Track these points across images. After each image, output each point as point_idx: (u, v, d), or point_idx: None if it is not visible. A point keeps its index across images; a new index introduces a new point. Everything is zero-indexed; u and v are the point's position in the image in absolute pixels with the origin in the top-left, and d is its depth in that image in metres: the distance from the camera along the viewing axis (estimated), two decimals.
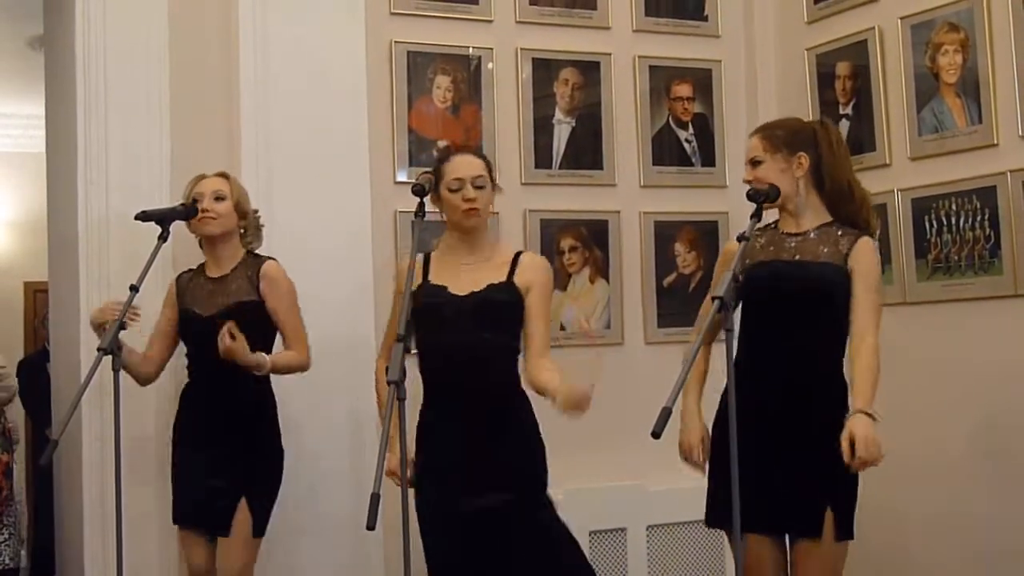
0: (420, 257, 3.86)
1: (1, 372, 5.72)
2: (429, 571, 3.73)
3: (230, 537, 4.07)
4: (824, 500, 3.51)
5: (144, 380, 4.26)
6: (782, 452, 3.54)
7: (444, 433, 3.75)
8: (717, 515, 3.66)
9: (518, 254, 3.95)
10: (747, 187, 3.66)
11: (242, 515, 4.08)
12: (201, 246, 4.31)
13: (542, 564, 3.69)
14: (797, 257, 3.66)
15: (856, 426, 3.37)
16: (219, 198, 4.21)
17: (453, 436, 3.73)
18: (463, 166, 3.85)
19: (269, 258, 4.27)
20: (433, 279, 3.86)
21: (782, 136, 3.70)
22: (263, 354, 4.09)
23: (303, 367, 4.21)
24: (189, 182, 4.28)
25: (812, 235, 3.69)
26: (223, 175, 4.29)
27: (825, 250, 3.65)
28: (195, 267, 4.32)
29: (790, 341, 3.60)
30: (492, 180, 3.90)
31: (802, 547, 3.55)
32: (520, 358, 3.84)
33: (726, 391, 3.40)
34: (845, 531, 3.54)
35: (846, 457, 3.35)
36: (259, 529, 4.11)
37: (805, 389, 3.58)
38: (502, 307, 3.81)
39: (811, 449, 3.52)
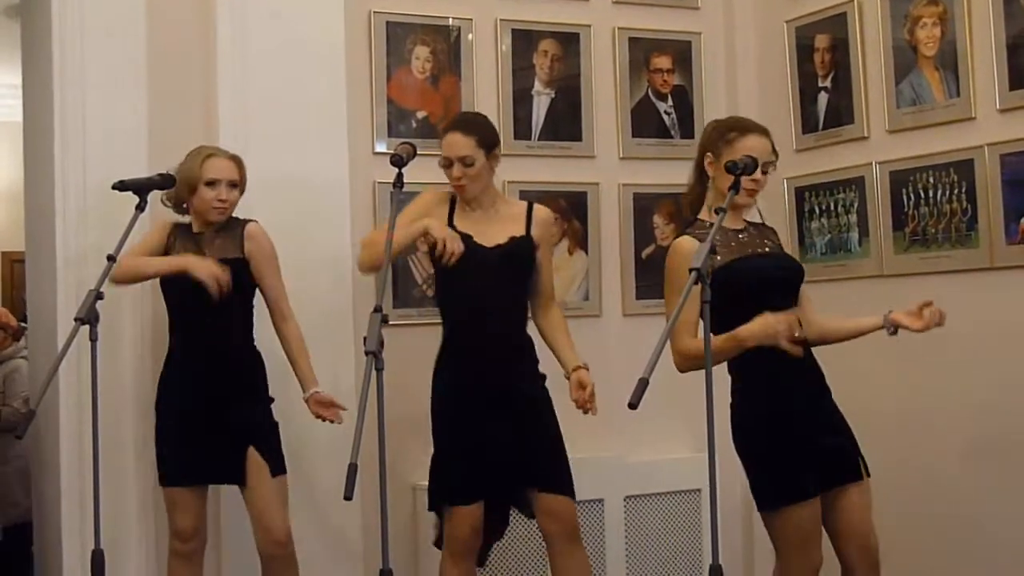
0: (447, 196, 4.23)
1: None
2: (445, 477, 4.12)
3: (256, 489, 4.16)
4: (855, 446, 3.86)
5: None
6: (813, 418, 3.79)
7: (466, 369, 4.11)
8: (783, 493, 3.74)
9: (531, 205, 4.31)
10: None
11: (255, 462, 4.16)
12: (181, 212, 4.34)
13: (549, 459, 4.12)
14: (760, 250, 3.88)
15: None
16: (234, 186, 4.26)
17: (475, 371, 4.10)
18: (450, 145, 4.16)
19: (250, 220, 4.31)
20: (459, 226, 4.15)
21: None
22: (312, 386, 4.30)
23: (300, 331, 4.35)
24: (193, 155, 4.25)
25: (751, 230, 3.94)
26: (236, 160, 4.30)
27: (767, 242, 3.94)
28: (183, 224, 4.34)
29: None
30: (487, 151, 4.17)
31: (848, 492, 3.79)
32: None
33: (746, 396, 3.78)
34: (866, 468, 3.86)
35: None
36: (278, 467, 4.21)
37: (811, 359, 3.85)
38: (524, 260, 4.20)
39: (830, 409, 3.87)
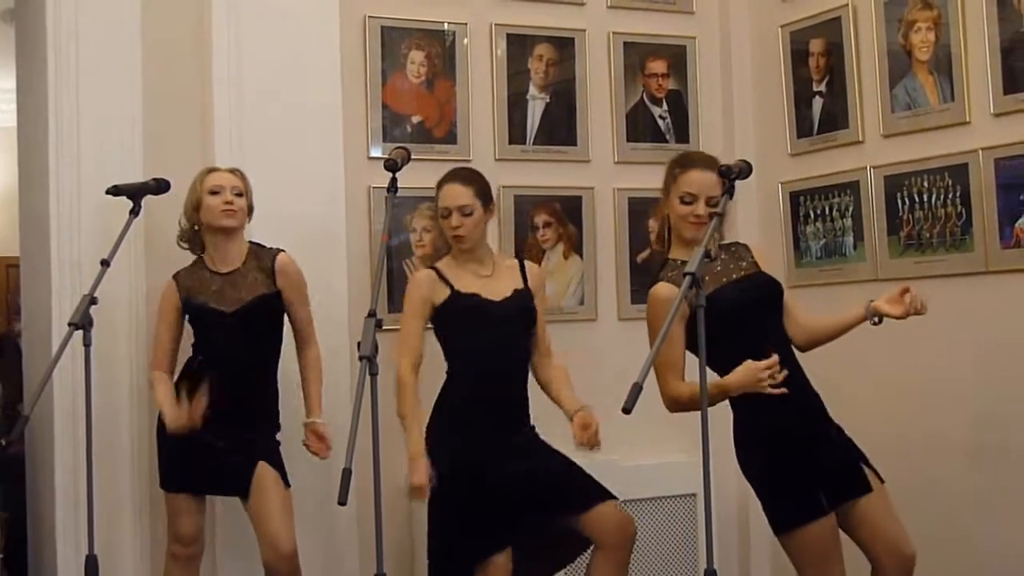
0: (432, 272, 4.22)
1: None
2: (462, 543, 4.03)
3: (266, 501, 4.16)
4: (858, 458, 3.83)
5: None
6: (812, 437, 3.78)
7: (489, 423, 4.10)
8: (795, 513, 3.72)
9: (521, 261, 4.39)
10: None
11: (267, 474, 4.19)
12: (198, 249, 4.34)
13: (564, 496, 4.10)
14: (735, 276, 3.88)
15: None
16: (239, 194, 4.29)
17: (497, 425, 4.11)
18: (449, 196, 4.21)
19: (278, 249, 4.36)
20: (461, 288, 4.17)
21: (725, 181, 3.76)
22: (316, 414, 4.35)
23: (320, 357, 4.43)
24: (199, 175, 4.28)
25: (723, 255, 3.92)
26: (237, 172, 4.33)
27: (743, 264, 3.92)
28: (191, 264, 4.34)
29: (777, 339, 3.81)
30: (484, 203, 4.22)
31: (862, 503, 3.77)
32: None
33: (745, 422, 3.80)
34: (878, 475, 3.84)
35: None
36: (286, 482, 4.25)
37: (800, 376, 3.83)
38: (531, 311, 4.25)
39: (828, 427, 3.86)
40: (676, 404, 3.75)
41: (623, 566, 4.11)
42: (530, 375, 4.30)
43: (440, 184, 4.28)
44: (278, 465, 4.25)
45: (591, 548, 4.12)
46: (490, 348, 4.15)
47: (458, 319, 4.18)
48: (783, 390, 3.57)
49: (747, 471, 3.85)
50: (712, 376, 3.65)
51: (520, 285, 4.27)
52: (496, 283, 4.23)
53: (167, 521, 4.27)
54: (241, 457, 4.19)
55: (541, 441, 4.23)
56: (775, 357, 3.57)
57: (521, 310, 4.23)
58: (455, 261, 4.26)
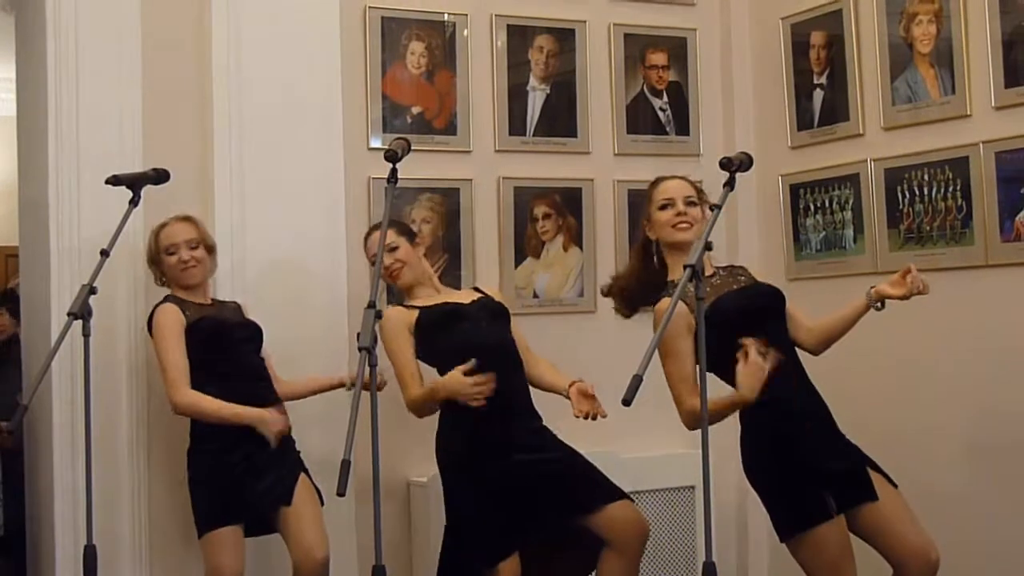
0: (399, 307, 4.31)
1: None
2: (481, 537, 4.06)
3: (306, 511, 4.19)
4: (864, 463, 3.80)
5: None
6: (819, 443, 3.75)
7: (491, 418, 4.09)
8: (803, 516, 3.68)
9: (475, 287, 4.60)
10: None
11: (308, 486, 4.24)
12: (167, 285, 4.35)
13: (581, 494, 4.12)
14: (734, 287, 3.87)
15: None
16: (193, 246, 4.28)
17: (500, 420, 4.11)
18: (373, 242, 4.27)
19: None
20: (427, 304, 4.28)
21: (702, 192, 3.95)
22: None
23: None
24: (153, 231, 4.29)
25: (721, 272, 3.94)
26: (188, 219, 4.32)
27: (742, 278, 3.92)
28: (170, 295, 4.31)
29: (782, 346, 3.75)
30: (409, 238, 4.38)
31: (875, 509, 3.72)
32: None
33: (752, 428, 3.78)
34: (890, 480, 3.80)
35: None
36: (322, 498, 4.27)
37: (806, 383, 3.84)
38: (501, 309, 4.36)
39: (834, 434, 3.83)
40: (696, 421, 3.56)
41: (634, 565, 4.09)
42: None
43: (364, 240, 4.47)
44: (313, 482, 4.28)
45: (603, 547, 4.10)
46: (474, 342, 4.17)
47: (434, 326, 4.22)
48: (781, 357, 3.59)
49: (753, 478, 3.83)
50: (725, 388, 3.66)
51: (480, 296, 4.39)
52: (454, 297, 4.39)
53: (208, 571, 4.16)
54: (286, 468, 4.23)
55: (551, 435, 4.23)
56: (761, 341, 3.56)
57: (490, 309, 4.32)
58: (409, 298, 4.36)
